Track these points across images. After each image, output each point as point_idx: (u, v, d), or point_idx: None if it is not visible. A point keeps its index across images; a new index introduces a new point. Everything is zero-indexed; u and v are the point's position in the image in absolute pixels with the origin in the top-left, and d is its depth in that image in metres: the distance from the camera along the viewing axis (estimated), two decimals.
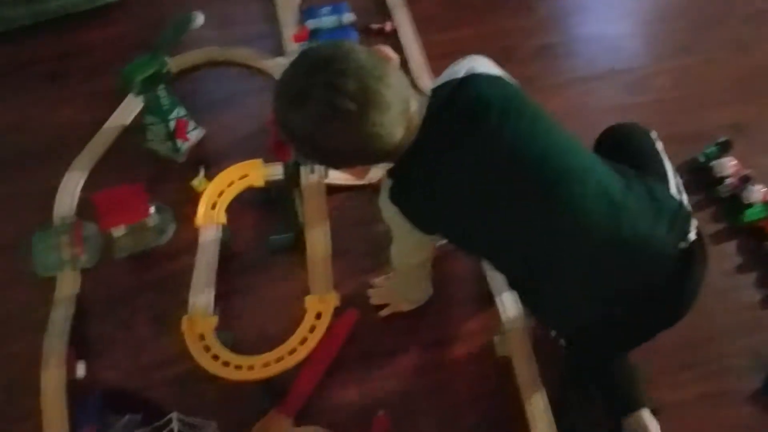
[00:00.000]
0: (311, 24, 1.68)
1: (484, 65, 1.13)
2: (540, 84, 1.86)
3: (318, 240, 1.35)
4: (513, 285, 1.27)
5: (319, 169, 1.42)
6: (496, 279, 1.48)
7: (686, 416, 1.38)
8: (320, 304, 1.29)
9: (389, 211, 1.15)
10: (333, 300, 1.29)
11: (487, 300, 1.49)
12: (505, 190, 1.07)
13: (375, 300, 1.49)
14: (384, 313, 1.48)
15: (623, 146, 1.29)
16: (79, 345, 1.40)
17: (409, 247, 1.28)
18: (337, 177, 1.53)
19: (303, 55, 1.02)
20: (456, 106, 1.07)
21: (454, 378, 1.42)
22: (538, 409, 1.30)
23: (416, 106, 1.04)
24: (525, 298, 1.29)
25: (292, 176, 1.33)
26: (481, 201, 1.09)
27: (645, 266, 1.12)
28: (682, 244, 1.12)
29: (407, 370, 1.43)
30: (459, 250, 1.29)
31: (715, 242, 1.59)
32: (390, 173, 1.12)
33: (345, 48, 0.99)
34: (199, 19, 1.51)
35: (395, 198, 1.12)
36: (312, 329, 1.27)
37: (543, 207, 1.07)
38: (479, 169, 1.07)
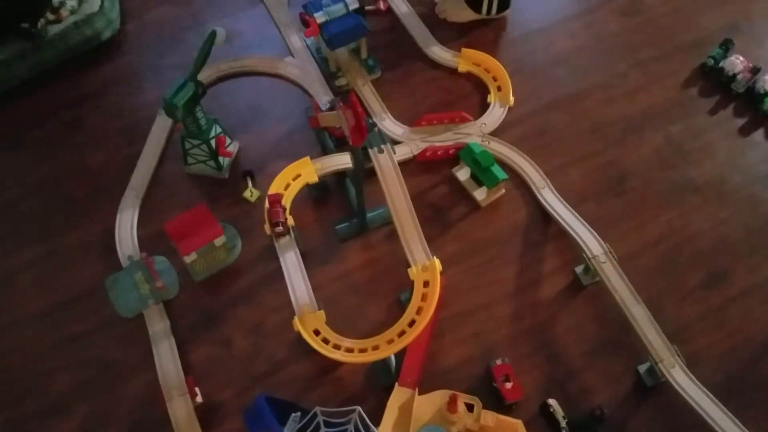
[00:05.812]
0: (319, 16, 1.69)
1: None
2: (539, 25, 1.93)
3: (404, 212, 1.39)
4: None
5: (387, 147, 1.45)
6: (565, 215, 1.55)
7: None
8: (425, 273, 1.33)
9: None
10: (436, 265, 1.33)
11: (556, 238, 1.57)
12: None
13: None
14: None
15: None
16: (188, 373, 1.42)
17: None
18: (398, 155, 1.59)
19: None
20: None
21: (551, 315, 1.49)
22: (644, 321, 1.37)
23: None
24: None
25: (362, 161, 1.36)
26: None
27: None
28: None
29: (504, 318, 1.49)
30: None
31: (743, 135, 1.70)
32: None
33: None
34: (222, 34, 1.52)
35: None
36: (424, 298, 1.31)
37: None
38: None
